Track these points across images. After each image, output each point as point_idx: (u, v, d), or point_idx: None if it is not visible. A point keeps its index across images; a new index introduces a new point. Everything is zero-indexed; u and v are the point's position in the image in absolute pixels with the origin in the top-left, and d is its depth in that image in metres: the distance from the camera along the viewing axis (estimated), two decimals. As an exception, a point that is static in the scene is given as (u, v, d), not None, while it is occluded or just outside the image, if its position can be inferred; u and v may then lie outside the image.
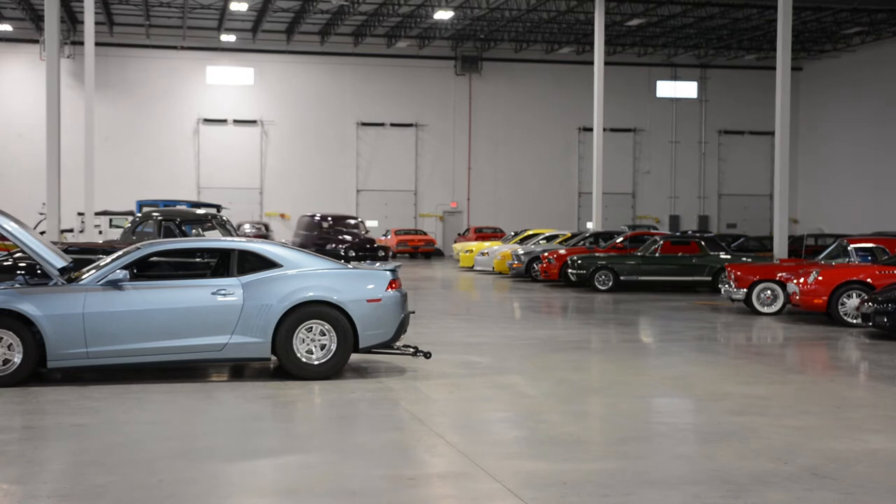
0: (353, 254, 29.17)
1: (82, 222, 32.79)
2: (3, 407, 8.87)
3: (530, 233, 35.73)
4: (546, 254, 27.72)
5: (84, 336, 9.77)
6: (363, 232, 32.15)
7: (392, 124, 49.09)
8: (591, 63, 35.80)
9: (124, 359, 9.96)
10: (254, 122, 47.72)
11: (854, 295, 16.37)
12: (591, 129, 38.30)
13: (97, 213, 33.18)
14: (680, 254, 24.52)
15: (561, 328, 16.58)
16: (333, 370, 10.30)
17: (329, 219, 32.66)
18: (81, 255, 12.77)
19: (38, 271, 11.69)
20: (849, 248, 18.71)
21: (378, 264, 11.21)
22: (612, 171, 45.52)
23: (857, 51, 47.16)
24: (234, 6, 39.30)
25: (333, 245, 29.58)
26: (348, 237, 31.02)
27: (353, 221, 32.96)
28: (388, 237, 44.73)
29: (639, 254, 24.93)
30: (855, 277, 16.47)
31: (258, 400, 9.34)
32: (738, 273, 18.90)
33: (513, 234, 39.04)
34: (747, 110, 51.44)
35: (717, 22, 43.33)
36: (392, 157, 49.10)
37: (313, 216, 32.92)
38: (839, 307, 16.44)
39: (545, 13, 42.12)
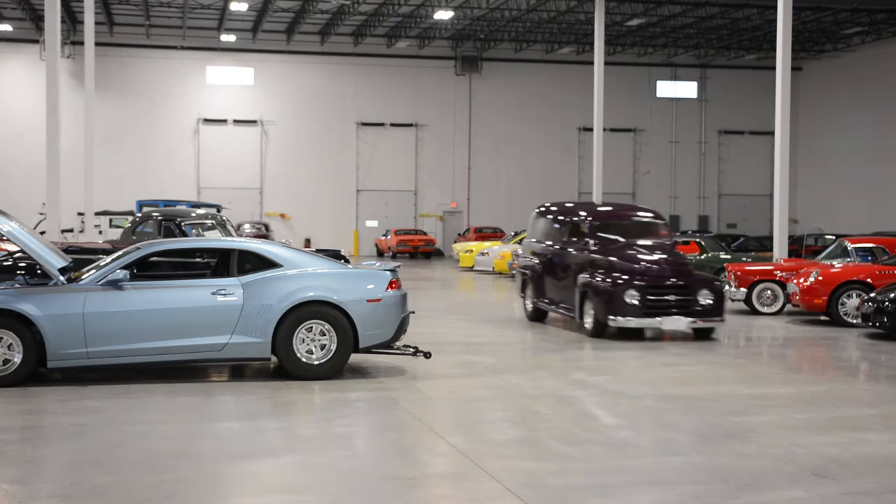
0: (650, 298, 14.02)
1: (82, 222, 32.80)
2: (3, 407, 8.87)
3: (530, 233, 35.67)
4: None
5: (84, 336, 9.77)
6: (667, 243, 15.36)
7: (392, 124, 49.07)
8: (591, 63, 35.76)
9: (124, 359, 9.96)
10: (254, 122, 47.69)
11: (854, 295, 16.38)
12: (591, 129, 38.29)
13: (97, 213, 33.19)
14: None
15: (561, 328, 16.57)
16: (333, 370, 10.30)
17: (598, 218, 15.77)
18: (81, 255, 12.77)
19: (38, 271, 11.69)
20: (849, 248, 18.71)
21: (378, 264, 11.19)
22: (612, 171, 45.47)
23: (857, 51, 47.13)
24: (234, 6, 39.27)
25: (605, 278, 14.24)
26: (641, 258, 14.57)
27: (644, 219, 16.04)
28: (388, 237, 44.74)
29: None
30: (855, 277, 16.48)
31: (258, 400, 9.34)
32: (738, 273, 18.89)
33: (513, 234, 39.02)
34: (747, 110, 51.41)
35: (717, 22, 43.31)
36: (392, 157, 49.08)
37: (566, 213, 16.43)
38: (839, 307, 16.45)
39: (545, 13, 42.10)
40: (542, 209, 17.50)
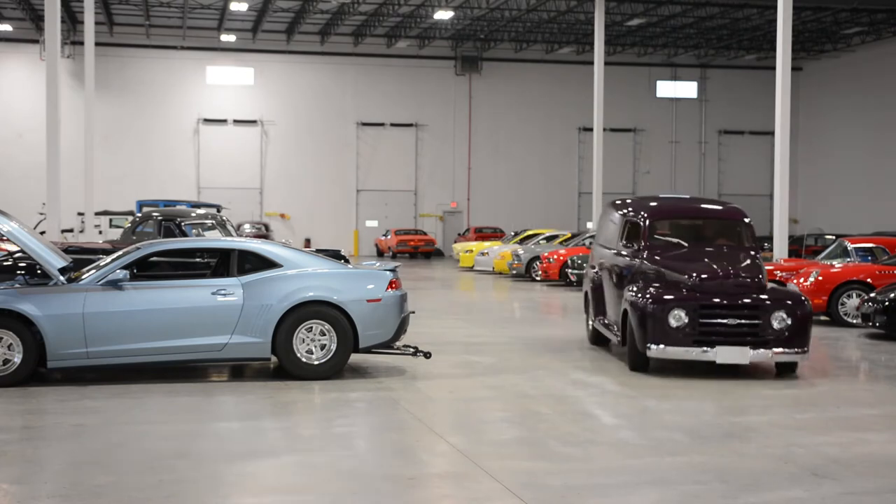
0: (703, 322, 10.80)
1: (82, 222, 32.81)
2: (3, 407, 8.87)
3: (530, 233, 35.72)
4: (546, 254, 27.73)
5: (84, 336, 9.77)
6: (746, 248, 11.95)
7: (392, 124, 49.07)
8: (591, 63, 35.75)
9: (124, 359, 9.96)
10: (254, 122, 47.69)
11: (854, 295, 16.39)
12: (591, 129, 38.28)
13: (97, 213, 33.20)
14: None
15: (561, 328, 16.56)
16: (333, 370, 10.30)
17: (658, 216, 12.48)
18: (81, 255, 12.77)
19: (38, 271, 11.69)
20: (849, 248, 18.71)
21: (378, 264, 11.19)
22: (612, 171, 45.45)
23: (857, 51, 47.13)
24: (234, 6, 39.28)
25: (646, 293, 11.08)
26: (698, 268, 11.30)
27: (720, 218, 12.89)
28: (388, 237, 44.76)
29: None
30: (855, 277, 16.49)
31: (258, 400, 9.34)
32: (738, 273, 18.84)
33: (513, 234, 39.03)
34: (747, 110, 51.41)
35: (717, 22, 43.31)
36: (392, 157, 49.08)
37: (626, 211, 12.94)
38: (839, 307, 16.46)
39: (545, 13, 42.10)
40: (610, 205, 13.83)
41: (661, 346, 10.79)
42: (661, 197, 13.55)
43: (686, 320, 10.73)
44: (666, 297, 10.89)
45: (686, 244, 12.04)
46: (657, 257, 11.70)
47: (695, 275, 11.12)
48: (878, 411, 9.22)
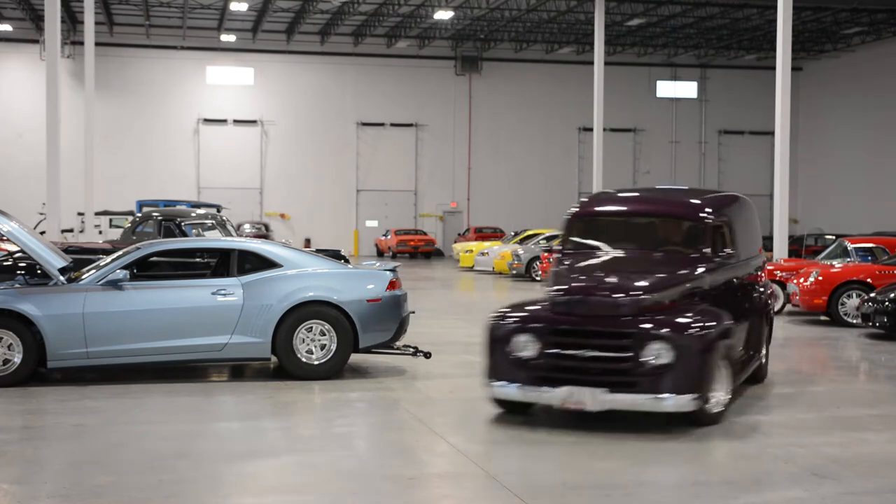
0: (552, 352, 8.08)
1: (82, 222, 32.81)
2: (3, 407, 8.87)
3: (530, 233, 35.72)
4: (546, 254, 27.73)
5: (84, 336, 9.78)
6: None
7: (392, 124, 49.06)
8: (591, 63, 35.76)
9: (124, 359, 9.96)
10: (254, 122, 47.69)
11: (854, 295, 16.39)
12: (591, 129, 38.28)
13: (97, 213, 33.20)
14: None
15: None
16: (333, 370, 10.30)
17: (587, 213, 10.03)
18: (81, 255, 12.77)
19: (38, 271, 11.69)
20: (849, 248, 18.72)
21: (378, 264, 11.19)
22: (612, 171, 45.38)
23: (857, 51, 47.13)
24: (234, 6, 39.29)
25: (499, 314, 8.55)
26: (577, 281, 8.57)
27: (671, 218, 9.61)
28: (388, 237, 44.76)
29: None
30: (855, 277, 16.50)
31: (258, 400, 9.35)
32: (738, 273, 18.82)
33: (513, 234, 39.04)
34: (747, 110, 51.40)
35: (717, 22, 43.32)
36: (392, 157, 49.08)
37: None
38: (839, 307, 16.47)
39: (545, 13, 42.11)
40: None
41: (503, 382, 8.22)
42: (608, 192, 10.76)
43: (537, 348, 8.10)
44: (513, 319, 8.31)
45: (603, 249, 9.34)
46: (559, 266, 9.09)
47: (561, 290, 8.31)
48: (878, 411, 9.23)
